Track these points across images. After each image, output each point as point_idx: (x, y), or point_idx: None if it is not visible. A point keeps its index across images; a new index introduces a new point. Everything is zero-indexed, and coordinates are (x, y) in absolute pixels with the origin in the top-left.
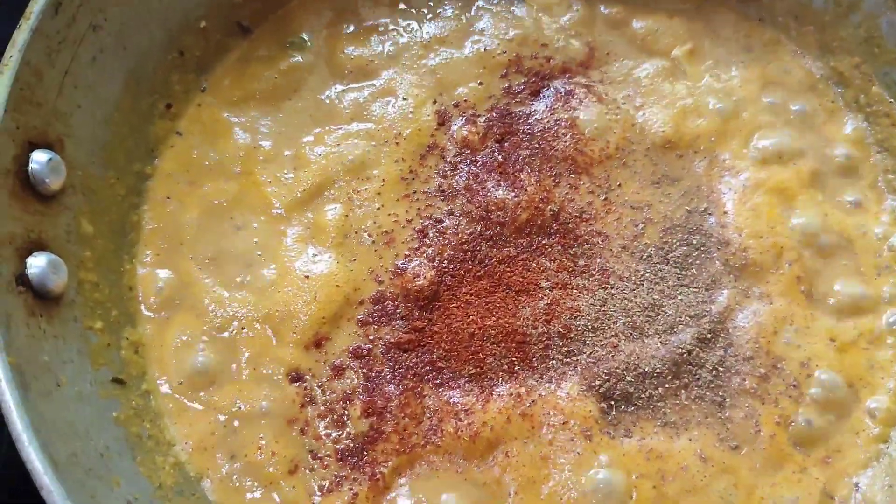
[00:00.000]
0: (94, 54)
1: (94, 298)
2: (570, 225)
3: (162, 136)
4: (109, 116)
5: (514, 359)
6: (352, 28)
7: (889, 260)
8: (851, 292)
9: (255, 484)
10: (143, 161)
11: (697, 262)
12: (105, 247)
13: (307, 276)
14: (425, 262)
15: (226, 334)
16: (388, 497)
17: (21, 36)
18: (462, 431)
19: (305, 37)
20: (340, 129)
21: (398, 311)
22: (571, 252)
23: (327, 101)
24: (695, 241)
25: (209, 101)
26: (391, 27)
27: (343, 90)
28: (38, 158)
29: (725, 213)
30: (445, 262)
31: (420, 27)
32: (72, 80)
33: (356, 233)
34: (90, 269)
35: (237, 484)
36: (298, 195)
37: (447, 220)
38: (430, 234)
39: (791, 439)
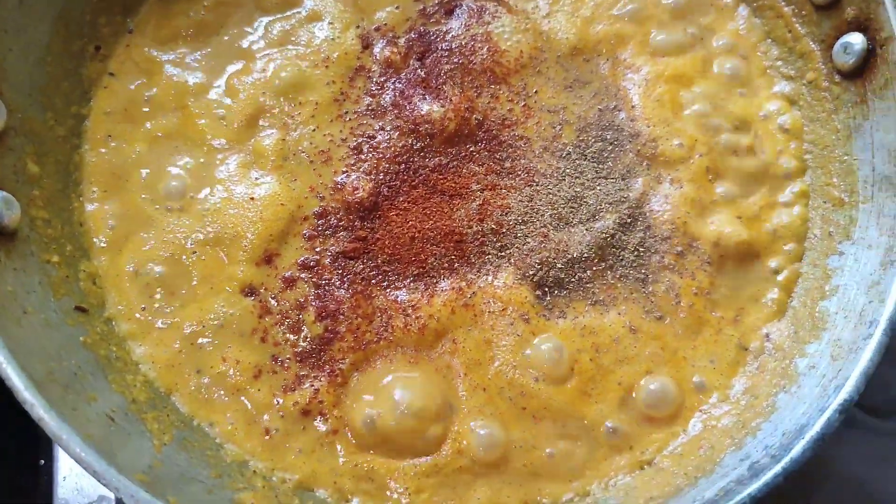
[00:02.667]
0: None
1: (48, 234)
2: (494, 131)
3: (95, 77)
4: (42, 59)
5: (452, 257)
6: None
7: (783, 136)
8: (751, 170)
9: (223, 392)
10: (80, 103)
11: (612, 155)
12: (52, 186)
13: (252, 198)
14: (362, 175)
15: (178, 258)
16: (348, 389)
17: None
18: (411, 326)
19: None
20: (267, 55)
21: (341, 223)
22: (497, 156)
23: (253, 32)
24: (608, 137)
25: (138, 42)
26: None
27: (270, 20)
28: None
29: (633, 107)
30: (381, 174)
31: None
32: (1, 24)
33: (294, 154)
34: (41, 207)
35: (205, 395)
36: (235, 126)
37: (379, 136)
38: (365, 150)
39: (707, 306)
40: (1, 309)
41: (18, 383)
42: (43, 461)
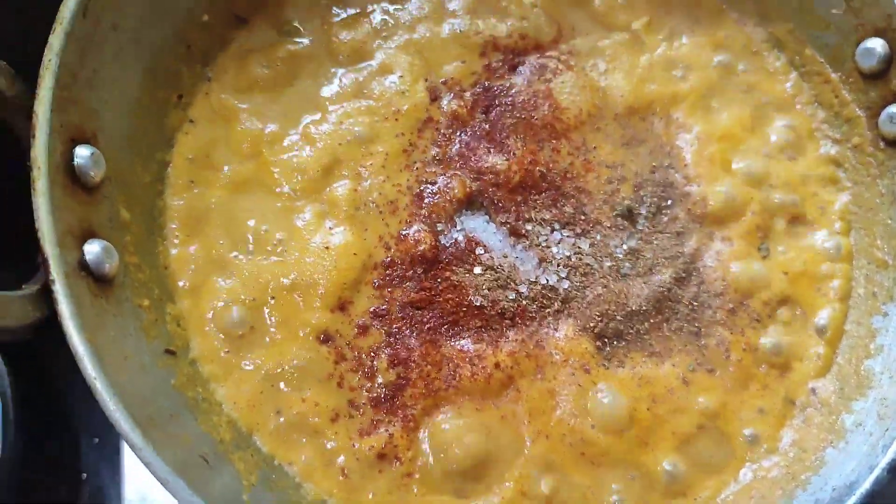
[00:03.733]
0: (115, 52)
1: (139, 279)
2: (556, 182)
3: (177, 124)
4: (131, 110)
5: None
6: (342, 14)
7: (827, 197)
8: (798, 227)
9: (301, 433)
10: (163, 150)
11: (667, 211)
12: (140, 231)
13: (327, 247)
14: (423, 227)
15: (257, 304)
16: (420, 434)
17: (56, 40)
18: (477, 375)
19: (298, 25)
20: (342, 107)
21: (407, 273)
22: (559, 206)
23: (327, 84)
24: (663, 194)
25: (216, 90)
26: (377, 10)
27: (343, 72)
28: (82, 153)
29: (686, 165)
30: (442, 223)
31: (403, 9)
32: (99, 77)
33: (364, 204)
34: (132, 253)
35: (285, 435)
36: (311, 175)
37: (442, 184)
38: (426, 198)
39: (755, 362)
40: (106, 356)
41: (127, 428)
42: (85, 475)
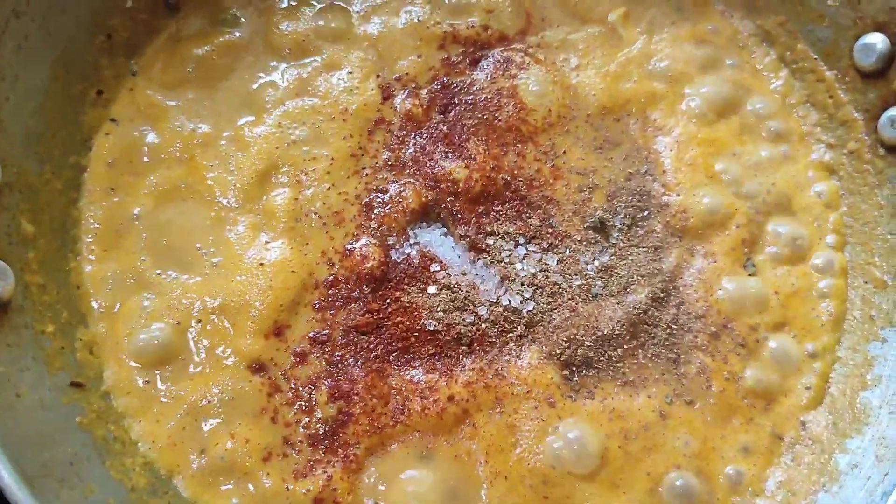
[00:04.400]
0: (18, 42)
1: (43, 301)
2: (521, 191)
3: (95, 124)
4: (40, 107)
5: (472, 334)
6: (286, 3)
7: (820, 208)
8: (787, 242)
9: (229, 475)
10: (79, 152)
11: (644, 223)
12: (48, 246)
13: (261, 264)
14: (372, 241)
15: (181, 327)
16: (362, 476)
17: None
18: (429, 409)
19: (237, 13)
20: (283, 106)
21: (353, 293)
22: (524, 218)
23: (266, 79)
24: (640, 204)
25: (142, 85)
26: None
27: (284, 67)
28: None
29: (664, 172)
30: (393, 237)
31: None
32: None
33: (306, 215)
34: (35, 272)
35: (210, 478)
36: (246, 182)
37: (393, 192)
38: (376, 208)
39: (738, 392)
40: None
41: (11, 482)
42: None
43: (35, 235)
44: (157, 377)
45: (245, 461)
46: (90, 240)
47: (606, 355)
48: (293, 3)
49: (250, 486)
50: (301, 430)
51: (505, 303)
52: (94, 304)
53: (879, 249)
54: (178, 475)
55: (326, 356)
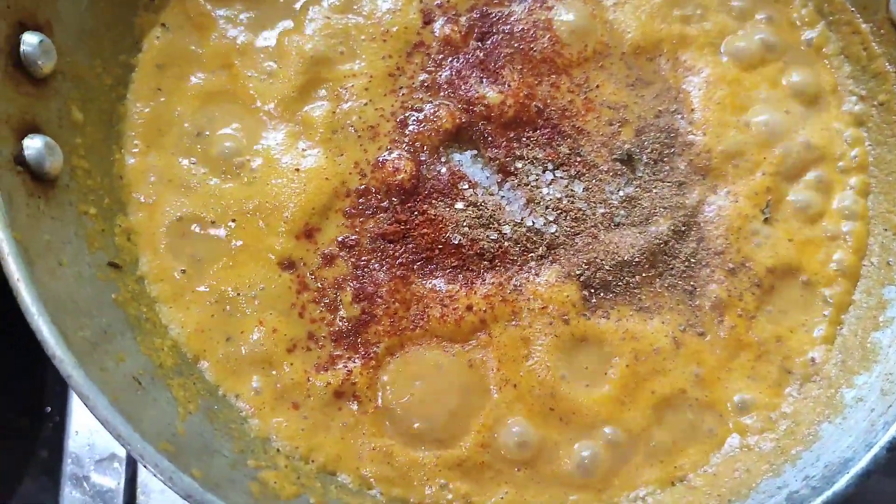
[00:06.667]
0: None
1: (87, 185)
2: (553, 120)
3: (146, 28)
4: (94, 4)
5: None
6: None
7: (847, 157)
8: (811, 188)
9: (253, 364)
10: (129, 52)
11: (670, 159)
12: (95, 135)
13: (297, 170)
14: (405, 154)
15: (216, 223)
16: (380, 373)
17: None
18: (447, 317)
19: None
20: (328, 21)
21: (382, 203)
22: (554, 145)
23: None
24: (667, 140)
25: None
26: None
27: None
28: (30, 40)
29: (693, 110)
30: (426, 153)
31: None
32: None
33: (343, 128)
34: (82, 157)
35: (234, 365)
36: (288, 92)
37: (429, 112)
38: (411, 125)
39: (749, 329)
40: (37, 259)
41: (49, 337)
42: (49, 409)
43: (84, 123)
44: (192, 269)
45: (271, 350)
46: (134, 135)
47: (624, 281)
48: None
49: (274, 373)
50: (325, 326)
51: (529, 224)
52: (135, 195)
53: None
54: (203, 360)
55: (353, 260)
